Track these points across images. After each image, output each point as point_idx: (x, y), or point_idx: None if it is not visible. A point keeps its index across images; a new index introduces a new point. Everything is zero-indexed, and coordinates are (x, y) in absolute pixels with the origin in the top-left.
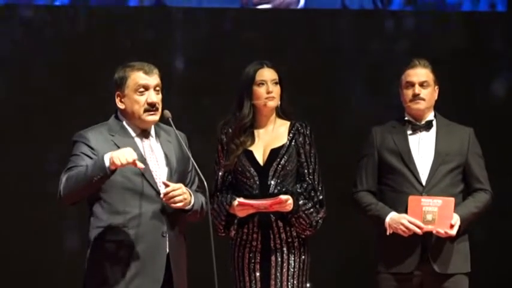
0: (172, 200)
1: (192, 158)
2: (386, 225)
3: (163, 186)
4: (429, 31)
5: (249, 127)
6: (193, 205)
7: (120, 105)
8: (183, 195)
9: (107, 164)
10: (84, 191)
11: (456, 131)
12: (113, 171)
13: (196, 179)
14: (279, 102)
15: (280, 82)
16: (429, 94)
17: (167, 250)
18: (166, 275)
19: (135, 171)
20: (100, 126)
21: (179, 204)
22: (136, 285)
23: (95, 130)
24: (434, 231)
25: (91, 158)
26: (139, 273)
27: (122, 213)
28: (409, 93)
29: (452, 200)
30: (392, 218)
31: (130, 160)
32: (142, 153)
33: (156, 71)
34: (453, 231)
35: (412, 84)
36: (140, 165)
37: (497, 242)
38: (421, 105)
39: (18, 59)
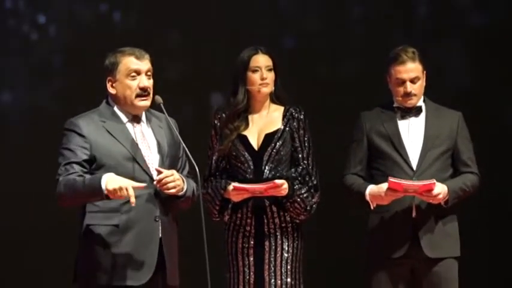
0: (165, 186)
1: (183, 143)
2: (367, 198)
3: (156, 173)
4: (418, 11)
5: (243, 112)
6: (186, 191)
7: (112, 91)
8: (176, 181)
9: (103, 187)
10: (81, 203)
11: (445, 115)
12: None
13: (187, 164)
14: (273, 88)
15: (275, 68)
16: (420, 87)
17: (160, 235)
18: (158, 259)
19: (126, 156)
20: (91, 113)
21: (172, 191)
22: (129, 269)
23: (86, 117)
24: (416, 187)
25: (84, 148)
26: (132, 258)
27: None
28: (400, 90)
29: (434, 181)
30: (372, 188)
31: (125, 195)
32: (134, 138)
33: (147, 56)
34: (437, 191)
35: (403, 81)
36: (139, 186)
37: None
38: (413, 100)
39: None
